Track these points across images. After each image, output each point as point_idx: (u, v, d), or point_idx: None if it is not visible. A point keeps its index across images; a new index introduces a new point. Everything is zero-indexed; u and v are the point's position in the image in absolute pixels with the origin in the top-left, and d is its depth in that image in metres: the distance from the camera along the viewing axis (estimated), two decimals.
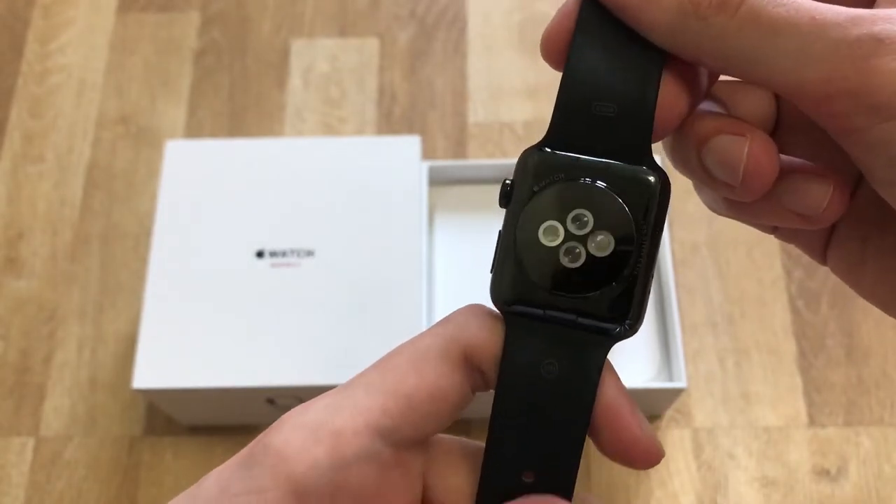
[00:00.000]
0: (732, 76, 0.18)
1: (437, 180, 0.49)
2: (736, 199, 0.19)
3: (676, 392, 0.44)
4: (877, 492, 0.46)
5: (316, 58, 0.60)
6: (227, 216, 0.46)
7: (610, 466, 0.47)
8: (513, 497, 0.19)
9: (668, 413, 0.48)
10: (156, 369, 0.42)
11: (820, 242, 0.21)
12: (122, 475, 0.48)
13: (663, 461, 0.47)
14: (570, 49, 0.19)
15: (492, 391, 0.19)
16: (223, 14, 0.62)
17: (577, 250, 0.18)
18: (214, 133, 0.58)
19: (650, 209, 0.18)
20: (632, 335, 0.19)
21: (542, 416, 0.19)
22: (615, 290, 0.18)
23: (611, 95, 0.18)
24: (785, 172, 0.19)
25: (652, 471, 0.47)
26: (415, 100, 0.59)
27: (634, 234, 0.18)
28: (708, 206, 0.22)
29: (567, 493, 0.20)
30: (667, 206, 0.19)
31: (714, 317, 0.51)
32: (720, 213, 0.21)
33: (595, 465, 0.47)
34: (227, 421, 0.48)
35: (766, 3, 0.17)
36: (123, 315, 0.52)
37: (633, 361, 0.45)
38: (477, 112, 0.58)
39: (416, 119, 0.58)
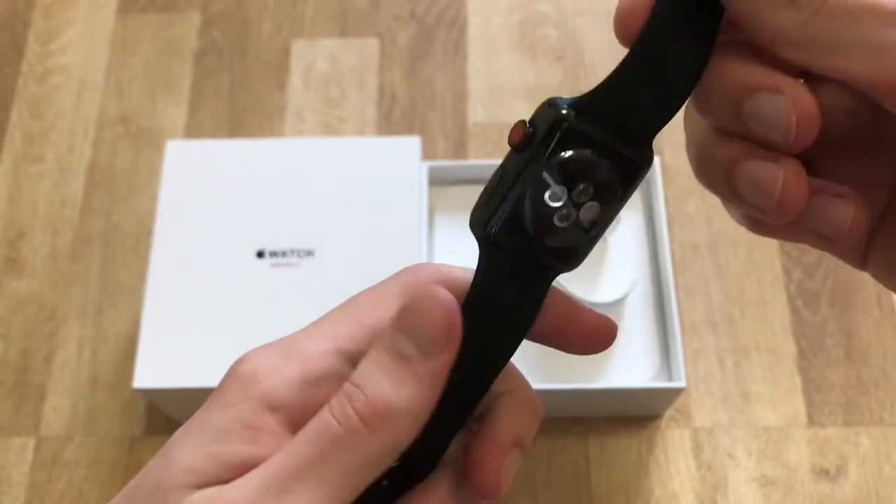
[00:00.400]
0: (811, 67, 0.18)
1: (437, 180, 0.49)
2: (766, 221, 0.20)
3: (676, 392, 0.45)
4: (876, 492, 0.46)
5: (316, 58, 0.60)
6: (227, 216, 0.46)
7: (609, 467, 0.47)
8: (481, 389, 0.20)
9: (668, 413, 0.48)
10: (156, 369, 0.42)
11: (858, 250, 0.22)
12: (123, 475, 0.48)
13: (663, 461, 0.47)
14: (642, 30, 0.19)
15: None
16: (223, 14, 0.62)
17: (570, 215, 0.20)
18: (215, 133, 0.58)
19: (633, 187, 0.20)
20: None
21: (494, 328, 0.21)
22: (582, 244, 0.21)
23: (657, 84, 0.19)
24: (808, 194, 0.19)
25: (652, 471, 0.47)
26: (415, 100, 0.59)
27: (617, 206, 0.20)
28: (733, 219, 0.22)
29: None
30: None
31: (714, 317, 0.51)
32: (745, 227, 0.22)
33: (595, 464, 0.47)
34: None
35: None
36: (124, 315, 0.52)
37: (632, 361, 0.45)
38: (477, 112, 0.58)
39: (416, 119, 0.58)
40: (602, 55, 0.60)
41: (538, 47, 0.60)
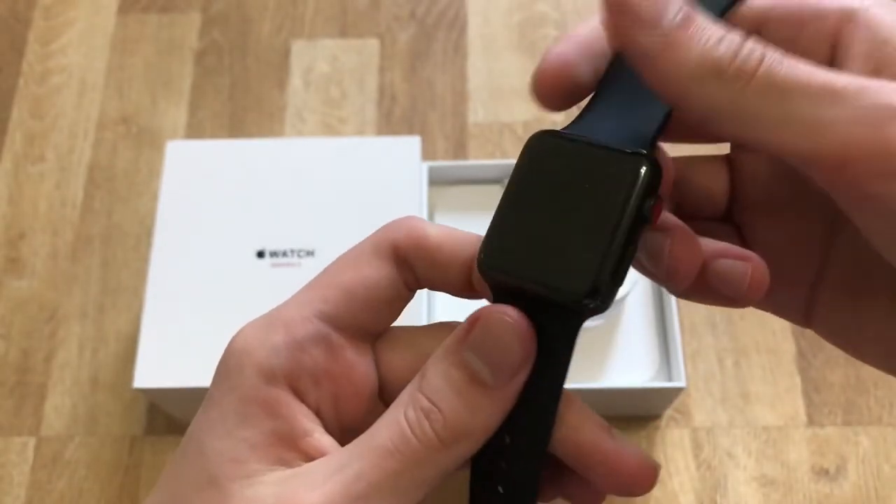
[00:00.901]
0: (742, 142, 0.18)
1: (437, 180, 0.49)
2: (664, 286, 0.20)
3: (676, 392, 0.45)
4: (875, 491, 0.46)
5: (316, 58, 0.60)
6: (227, 216, 0.46)
7: None
8: (500, 463, 0.20)
9: (668, 413, 0.49)
10: (157, 369, 0.42)
11: (796, 308, 0.22)
12: (123, 474, 0.48)
13: (663, 461, 0.47)
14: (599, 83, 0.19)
15: None
16: (224, 15, 0.62)
17: None
18: (215, 133, 0.58)
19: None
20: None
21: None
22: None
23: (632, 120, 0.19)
24: (707, 256, 0.19)
25: None
26: (415, 100, 0.59)
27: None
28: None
29: (542, 452, 0.20)
30: None
31: (713, 317, 0.51)
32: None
33: None
34: None
35: (783, 67, 0.17)
36: (124, 315, 0.52)
37: (632, 361, 0.45)
38: (477, 112, 0.58)
39: (416, 119, 0.58)
40: None
41: (538, 48, 0.60)
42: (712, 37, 0.17)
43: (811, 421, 0.48)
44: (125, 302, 0.52)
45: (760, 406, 0.49)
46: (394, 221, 0.22)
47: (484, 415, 0.19)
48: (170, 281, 0.44)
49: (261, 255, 0.45)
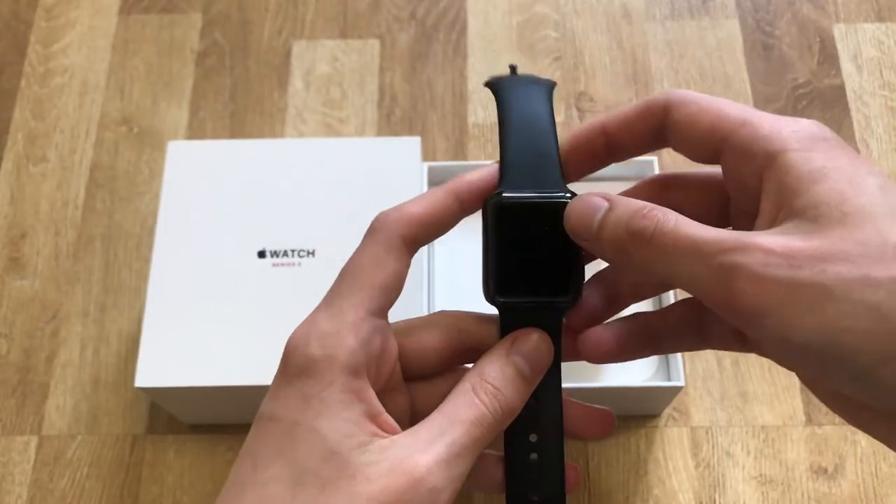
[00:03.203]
0: (648, 280, 0.29)
1: (437, 181, 0.50)
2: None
3: (674, 391, 0.45)
4: (874, 490, 0.47)
5: (317, 59, 0.61)
6: (228, 216, 0.46)
7: (608, 465, 0.48)
8: (528, 453, 0.29)
9: (667, 412, 0.49)
10: (158, 368, 0.43)
11: (689, 339, 0.30)
12: (125, 473, 0.48)
13: (662, 459, 0.47)
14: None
15: None
16: (225, 16, 0.62)
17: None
18: (216, 134, 0.58)
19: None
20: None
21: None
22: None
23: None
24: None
25: (651, 469, 0.47)
26: (415, 101, 0.59)
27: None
28: None
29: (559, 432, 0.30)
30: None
31: None
32: None
33: (594, 464, 0.48)
34: (228, 419, 0.48)
35: (666, 236, 0.24)
36: (126, 314, 0.52)
37: (631, 361, 0.46)
38: (477, 113, 0.58)
39: (417, 120, 0.58)
40: (601, 56, 0.60)
41: (538, 48, 0.61)
42: (615, 226, 0.25)
43: (809, 420, 0.48)
44: (126, 301, 0.53)
45: (759, 405, 0.49)
46: (383, 218, 0.28)
47: (523, 396, 0.27)
48: (171, 280, 0.45)
49: (262, 254, 0.45)
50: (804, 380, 0.26)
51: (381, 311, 0.27)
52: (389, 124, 0.58)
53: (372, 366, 0.27)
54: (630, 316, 0.30)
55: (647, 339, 0.30)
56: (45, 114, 0.59)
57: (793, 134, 0.24)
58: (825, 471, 0.47)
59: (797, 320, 0.21)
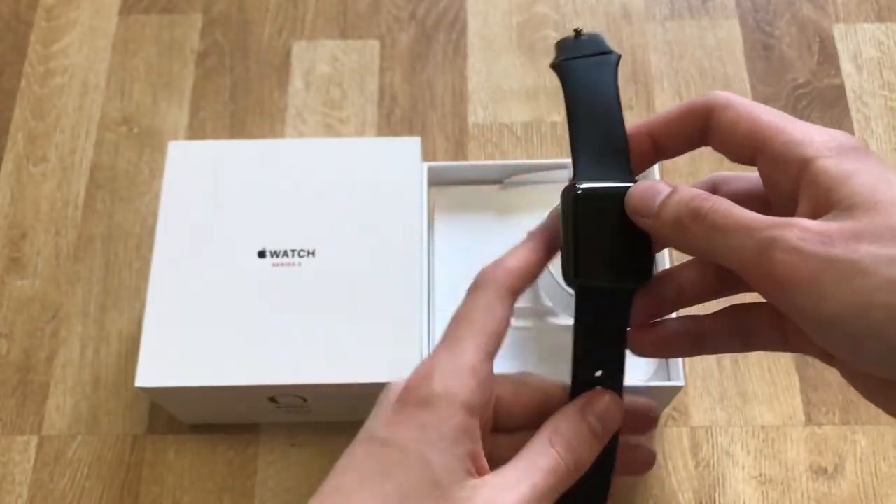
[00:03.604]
0: (698, 256, 0.30)
1: (437, 181, 0.50)
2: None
3: (674, 390, 0.45)
4: (873, 490, 0.47)
5: (317, 59, 0.61)
6: (228, 216, 0.46)
7: None
8: (591, 385, 0.32)
9: (666, 411, 0.49)
10: (158, 368, 0.43)
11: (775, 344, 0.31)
12: (125, 473, 0.48)
13: (662, 459, 0.47)
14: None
15: None
16: (225, 16, 0.62)
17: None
18: (216, 134, 0.58)
19: None
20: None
21: (601, 335, 0.31)
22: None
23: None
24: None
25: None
26: (415, 101, 0.59)
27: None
28: None
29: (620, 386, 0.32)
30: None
31: None
32: None
33: None
34: (228, 419, 0.49)
35: (720, 214, 0.26)
36: (126, 314, 0.52)
37: (631, 360, 0.45)
38: (477, 113, 0.59)
39: (417, 120, 0.58)
40: None
41: (538, 49, 0.61)
42: (677, 205, 0.27)
43: (809, 420, 0.48)
44: (127, 301, 0.53)
45: (758, 405, 0.49)
46: (489, 273, 0.31)
47: (594, 453, 0.30)
48: (171, 280, 0.45)
49: (262, 254, 0.45)
50: (836, 362, 0.28)
51: (492, 356, 0.30)
52: (389, 124, 0.58)
53: (483, 408, 0.29)
54: (677, 317, 0.32)
55: (690, 338, 0.32)
56: (46, 114, 0.59)
57: (824, 143, 0.26)
58: (825, 471, 0.47)
59: (829, 293, 0.23)
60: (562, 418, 0.30)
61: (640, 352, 0.32)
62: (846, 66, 0.59)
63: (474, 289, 0.31)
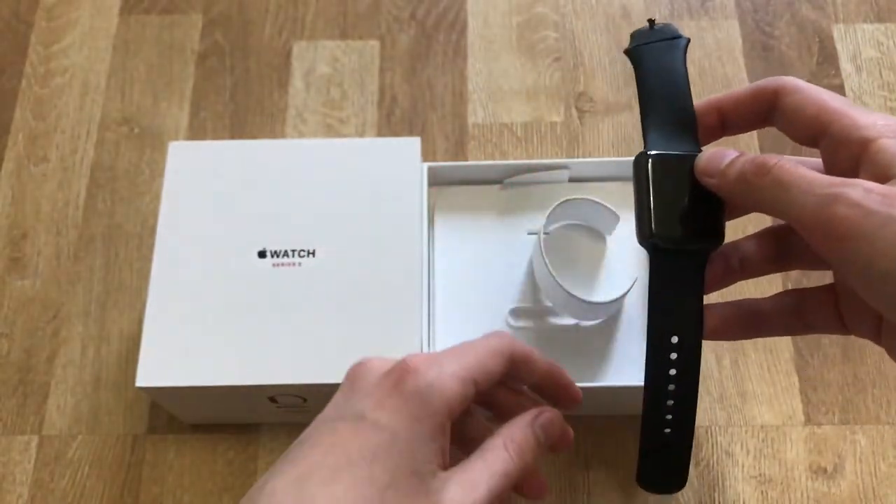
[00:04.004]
0: (762, 212, 0.31)
1: (437, 181, 0.50)
2: None
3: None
4: (873, 489, 0.47)
5: (317, 60, 0.61)
6: (229, 216, 0.46)
7: (607, 465, 0.48)
8: (669, 352, 0.33)
9: None
10: (158, 368, 0.43)
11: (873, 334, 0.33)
12: (125, 473, 0.48)
13: None
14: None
15: None
16: (225, 16, 0.63)
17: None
18: (216, 134, 0.58)
19: None
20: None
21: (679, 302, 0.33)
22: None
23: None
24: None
25: None
26: (415, 101, 0.59)
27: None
28: None
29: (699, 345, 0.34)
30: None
31: None
32: None
33: (593, 462, 0.48)
34: (229, 419, 0.49)
35: (784, 170, 0.28)
36: (127, 314, 0.52)
37: (631, 360, 0.46)
38: (476, 113, 0.59)
39: (417, 120, 0.58)
40: (600, 56, 0.60)
41: (537, 49, 0.61)
42: (742, 163, 0.30)
43: (809, 420, 0.49)
44: (127, 301, 0.53)
45: (758, 405, 0.49)
46: (496, 339, 0.33)
47: (535, 460, 0.33)
48: (171, 280, 0.45)
49: (262, 254, 0.45)
50: (884, 341, 0.31)
51: (478, 385, 0.32)
52: (389, 125, 0.58)
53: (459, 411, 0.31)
54: (736, 301, 0.35)
55: (749, 321, 0.34)
56: (46, 114, 0.59)
57: (887, 125, 0.28)
58: (824, 470, 0.47)
59: (885, 250, 0.25)
60: (515, 427, 0.32)
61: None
62: (846, 66, 0.59)
63: (486, 338, 0.33)
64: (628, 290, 0.44)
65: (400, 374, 0.30)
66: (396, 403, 0.29)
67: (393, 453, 0.28)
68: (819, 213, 0.26)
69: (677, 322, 0.32)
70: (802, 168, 0.28)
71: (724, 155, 0.31)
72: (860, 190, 0.26)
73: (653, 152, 0.32)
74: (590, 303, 0.44)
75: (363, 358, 0.33)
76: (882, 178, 0.27)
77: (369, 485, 0.28)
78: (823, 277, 0.35)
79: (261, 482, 0.29)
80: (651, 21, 0.35)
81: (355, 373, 0.32)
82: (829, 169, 0.30)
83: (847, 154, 0.29)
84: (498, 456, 0.31)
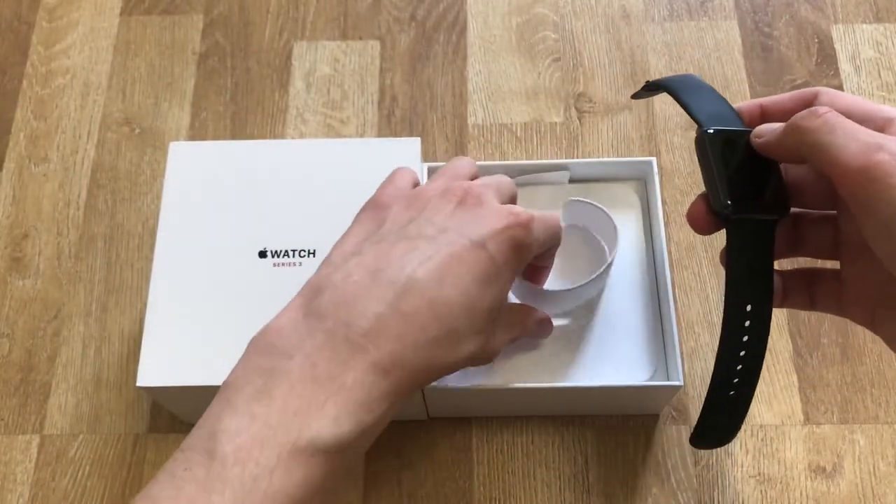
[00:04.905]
0: (811, 161, 0.31)
1: None
2: None
3: (674, 390, 0.45)
4: (872, 489, 0.47)
5: (317, 60, 0.61)
6: (229, 216, 0.46)
7: (608, 464, 0.48)
8: (744, 320, 0.34)
9: (665, 411, 0.49)
10: (159, 368, 0.43)
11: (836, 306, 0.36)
12: (127, 472, 0.49)
13: (661, 458, 0.48)
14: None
15: None
16: (226, 17, 0.63)
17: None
18: (217, 134, 0.59)
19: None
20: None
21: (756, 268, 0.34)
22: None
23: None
24: None
25: (650, 468, 0.48)
26: (415, 102, 0.59)
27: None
28: None
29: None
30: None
31: (710, 315, 0.51)
32: None
33: (593, 462, 0.48)
34: None
35: (834, 115, 0.30)
36: (127, 314, 0.53)
37: (630, 360, 0.46)
38: (476, 114, 0.59)
39: (417, 121, 0.59)
40: (600, 57, 0.60)
41: (537, 50, 0.61)
42: (793, 118, 0.31)
43: (808, 419, 0.49)
44: (128, 301, 0.53)
45: (757, 404, 0.49)
46: (398, 172, 0.41)
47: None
48: (172, 280, 0.45)
49: (262, 254, 0.45)
50: (879, 328, 0.34)
51: None
52: (390, 125, 0.58)
53: None
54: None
55: (778, 292, 0.36)
56: (47, 114, 0.59)
57: None
58: (823, 470, 0.47)
59: None
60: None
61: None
62: (845, 66, 0.59)
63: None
64: (610, 262, 0.44)
65: (517, 221, 0.36)
66: (509, 251, 0.35)
67: (498, 282, 0.35)
68: (860, 156, 0.28)
69: (752, 291, 0.34)
70: (847, 120, 0.30)
71: (778, 124, 0.33)
72: None
73: (712, 129, 0.34)
74: (548, 291, 0.44)
75: (387, 187, 0.41)
76: None
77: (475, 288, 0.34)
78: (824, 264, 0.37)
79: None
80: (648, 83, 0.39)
81: (418, 195, 0.38)
82: None
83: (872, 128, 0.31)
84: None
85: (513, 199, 0.40)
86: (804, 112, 0.31)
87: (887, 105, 0.32)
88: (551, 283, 0.45)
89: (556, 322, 0.47)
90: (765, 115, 0.35)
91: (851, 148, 0.29)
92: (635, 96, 0.41)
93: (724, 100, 0.36)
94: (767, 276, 0.34)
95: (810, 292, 0.36)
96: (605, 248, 0.48)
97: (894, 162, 0.28)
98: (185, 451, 0.31)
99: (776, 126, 0.33)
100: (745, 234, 0.33)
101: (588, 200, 0.47)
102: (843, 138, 0.29)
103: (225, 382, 0.33)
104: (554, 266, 0.44)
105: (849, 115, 0.31)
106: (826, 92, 0.33)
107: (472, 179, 0.40)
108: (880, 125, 0.31)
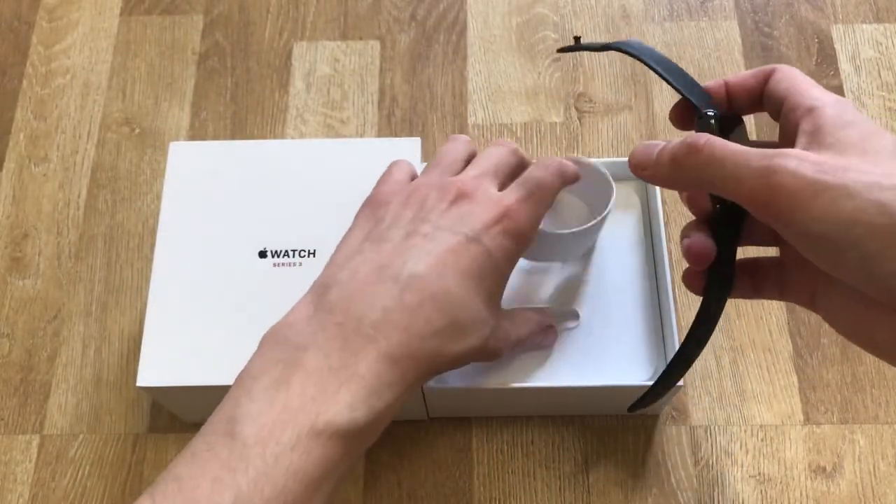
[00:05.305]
0: (707, 191, 0.33)
1: None
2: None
3: (673, 390, 0.45)
4: (872, 489, 0.47)
5: (317, 60, 0.61)
6: (229, 216, 0.46)
7: (607, 464, 0.48)
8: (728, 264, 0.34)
9: (665, 411, 0.49)
10: (159, 367, 0.43)
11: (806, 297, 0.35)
12: (127, 472, 0.49)
13: (661, 458, 0.48)
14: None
15: None
16: (226, 17, 0.63)
17: None
18: (217, 134, 0.59)
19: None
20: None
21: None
22: None
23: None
24: None
25: (650, 468, 0.48)
26: (415, 102, 0.59)
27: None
28: None
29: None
30: None
31: None
32: None
33: (593, 462, 0.48)
34: None
35: (716, 146, 0.30)
36: (128, 314, 0.53)
37: (629, 360, 0.46)
38: (476, 114, 0.59)
39: (417, 121, 0.59)
40: (600, 57, 0.60)
41: (537, 50, 0.61)
42: (672, 147, 0.31)
43: (808, 419, 0.49)
44: (128, 301, 0.53)
45: (757, 404, 0.49)
46: (396, 164, 0.44)
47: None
48: (172, 280, 0.45)
49: (263, 254, 0.45)
50: (819, 308, 0.33)
51: None
52: (390, 125, 0.58)
53: None
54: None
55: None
56: (47, 114, 0.59)
57: (835, 100, 0.31)
58: (823, 470, 0.47)
59: (820, 214, 0.27)
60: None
61: (695, 289, 0.36)
62: (845, 66, 0.59)
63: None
64: (610, 209, 0.43)
65: (504, 213, 0.37)
66: (504, 241, 0.37)
67: (496, 273, 0.37)
68: (757, 185, 0.28)
69: (726, 256, 0.34)
70: (732, 144, 0.30)
71: (653, 146, 0.33)
72: (794, 160, 0.28)
73: (709, 112, 0.34)
74: (547, 233, 0.43)
75: (382, 186, 0.41)
76: (818, 145, 0.29)
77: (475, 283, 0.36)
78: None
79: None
80: (577, 38, 0.40)
81: (414, 192, 0.39)
82: (782, 138, 0.32)
83: (794, 118, 0.31)
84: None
85: (515, 169, 0.41)
86: (682, 147, 0.31)
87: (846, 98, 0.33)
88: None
89: (557, 323, 0.47)
90: (729, 93, 0.35)
91: (746, 179, 0.28)
92: (562, 50, 0.41)
93: (688, 74, 0.36)
94: (734, 244, 0.34)
95: (753, 282, 0.37)
96: (603, 203, 0.47)
97: (793, 180, 0.27)
98: (206, 435, 0.32)
99: (652, 153, 0.32)
100: (728, 213, 0.34)
101: (582, 159, 0.45)
102: (734, 168, 0.29)
103: (241, 374, 0.34)
104: (550, 221, 0.45)
105: (789, 93, 0.32)
106: (781, 69, 0.33)
107: (468, 160, 0.41)
108: (801, 114, 0.30)
